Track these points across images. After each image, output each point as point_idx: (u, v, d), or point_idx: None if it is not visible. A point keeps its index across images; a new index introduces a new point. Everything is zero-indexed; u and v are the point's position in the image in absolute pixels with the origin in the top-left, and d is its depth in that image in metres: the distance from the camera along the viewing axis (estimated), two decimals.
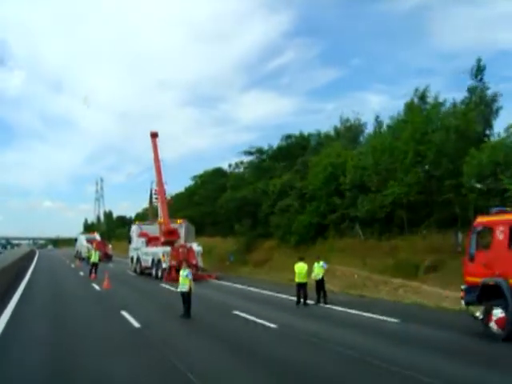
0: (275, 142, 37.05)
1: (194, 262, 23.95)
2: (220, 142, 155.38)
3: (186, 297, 12.41)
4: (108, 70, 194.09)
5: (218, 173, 47.88)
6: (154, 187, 31.84)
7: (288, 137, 35.20)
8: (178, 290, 12.78)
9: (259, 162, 36.00)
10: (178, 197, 64.98)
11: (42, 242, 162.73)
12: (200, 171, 53.11)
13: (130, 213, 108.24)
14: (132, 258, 30.63)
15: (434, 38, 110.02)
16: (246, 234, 33.89)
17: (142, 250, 28.45)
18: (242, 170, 46.21)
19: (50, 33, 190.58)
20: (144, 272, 28.20)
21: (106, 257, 43.24)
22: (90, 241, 47.26)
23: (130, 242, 31.26)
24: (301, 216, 27.48)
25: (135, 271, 29.44)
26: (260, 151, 36.10)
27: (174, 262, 23.84)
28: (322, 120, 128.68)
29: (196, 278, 22.90)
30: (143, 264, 27.98)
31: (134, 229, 31.00)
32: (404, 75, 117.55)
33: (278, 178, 33.19)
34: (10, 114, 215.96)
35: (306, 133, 36.51)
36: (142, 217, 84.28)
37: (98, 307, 15.32)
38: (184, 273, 12.64)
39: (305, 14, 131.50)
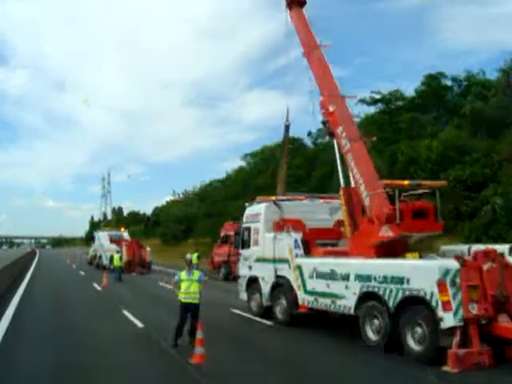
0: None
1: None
2: (222, 141, 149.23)
3: None
4: (111, 69, 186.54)
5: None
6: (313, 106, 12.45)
7: (434, 77, 22.70)
8: None
9: (390, 113, 23.22)
10: (211, 185, 53.65)
11: (44, 241, 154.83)
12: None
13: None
14: (252, 282, 12.38)
15: (439, 36, 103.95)
16: None
17: (306, 263, 10.39)
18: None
19: (54, 32, 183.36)
20: (296, 315, 10.80)
21: (143, 266, 29.42)
22: (115, 240, 32.61)
23: (241, 244, 12.87)
24: None
25: (261, 312, 11.96)
26: (388, 100, 23.33)
27: (478, 311, 7.19)
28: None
29: None
30: (313, 302, 10.11)
31: (264, 212, 11.96)
32: (409, 74, 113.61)
33: (428, 140, 21.08)
34: (13, 113, 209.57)
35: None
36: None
37: None
38: None
39: (309, 13, 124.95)
